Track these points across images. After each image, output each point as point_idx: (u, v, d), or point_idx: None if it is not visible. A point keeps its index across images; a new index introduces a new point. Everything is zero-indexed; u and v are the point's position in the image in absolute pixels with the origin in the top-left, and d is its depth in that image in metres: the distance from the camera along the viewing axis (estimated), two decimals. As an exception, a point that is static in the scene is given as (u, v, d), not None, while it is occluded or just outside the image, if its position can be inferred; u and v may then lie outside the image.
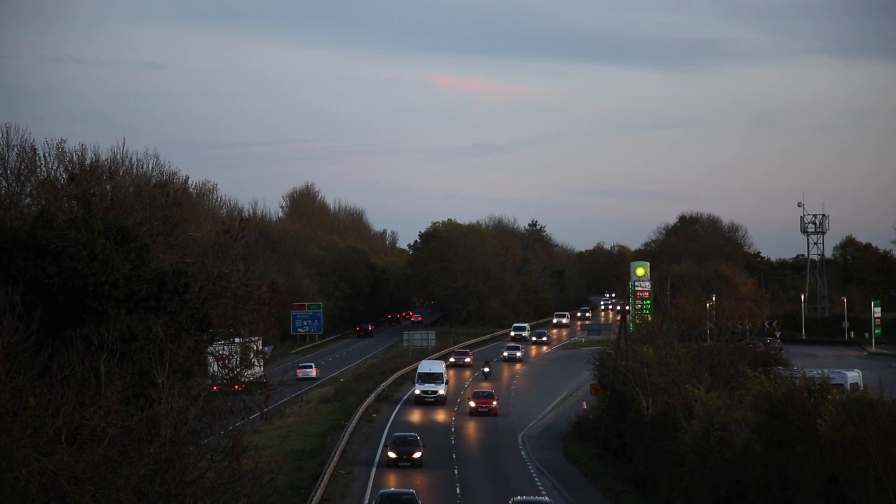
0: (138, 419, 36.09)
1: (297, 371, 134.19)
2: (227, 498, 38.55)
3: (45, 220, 44.46)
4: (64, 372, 35.39)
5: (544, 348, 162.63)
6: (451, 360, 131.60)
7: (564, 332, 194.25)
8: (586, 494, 67.77)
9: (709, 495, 55.60)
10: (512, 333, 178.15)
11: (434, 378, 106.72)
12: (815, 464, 44.79)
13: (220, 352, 50.28)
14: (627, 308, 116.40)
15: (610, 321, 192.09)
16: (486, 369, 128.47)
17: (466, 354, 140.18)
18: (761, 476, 49.50)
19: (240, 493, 39.31)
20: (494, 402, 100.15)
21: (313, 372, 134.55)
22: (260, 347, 53.93)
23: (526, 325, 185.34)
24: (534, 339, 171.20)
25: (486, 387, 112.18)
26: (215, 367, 48.16)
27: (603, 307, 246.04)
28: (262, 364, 53.48)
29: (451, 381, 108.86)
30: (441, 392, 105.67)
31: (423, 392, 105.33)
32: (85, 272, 43.53)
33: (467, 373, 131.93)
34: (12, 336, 34.57)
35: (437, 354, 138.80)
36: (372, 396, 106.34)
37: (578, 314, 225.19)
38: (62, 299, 43.60)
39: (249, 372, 50.37)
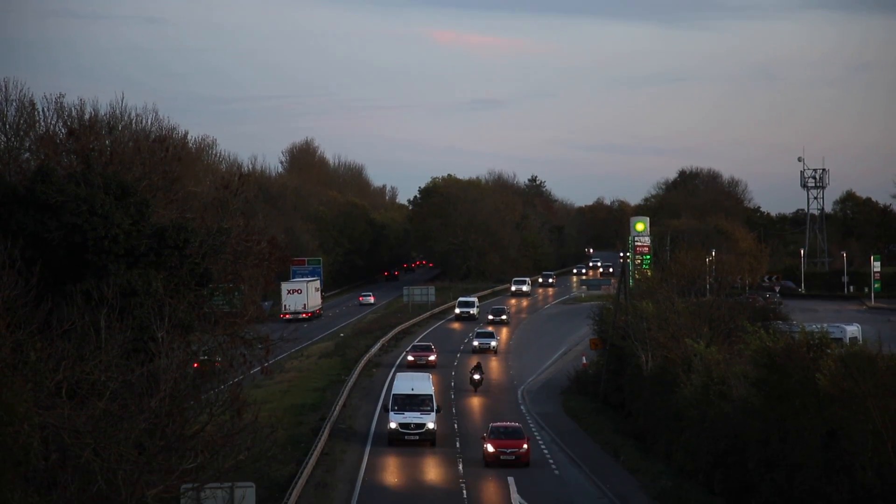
0: (138, 374, 36.17)
1: (360, 298, 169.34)
2: (227, 451, 38.65)
3: (45, 174, 44.45)
4: (64, 326, 35.45)
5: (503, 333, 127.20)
6: (410, 358, 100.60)
7: (525, 302, 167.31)
8: (585, 448, 67.99)
9: (708, 449, 55.78)
10: (513, 288, 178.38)
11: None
12: (813, 418, 44.92)
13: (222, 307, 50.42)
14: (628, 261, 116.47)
15: (579, 290, 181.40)
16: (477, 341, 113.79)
17: (430, 351, 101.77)
18: (760, 430, 49.65)
19: (240, 447, 39.40)
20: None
21: (372, 299, 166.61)
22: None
23: (527, 279, 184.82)
24: (490, 317, 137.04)
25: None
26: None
27: (575, 273, 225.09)
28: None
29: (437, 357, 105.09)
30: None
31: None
32: (84, 227, 43.54)
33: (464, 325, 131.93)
34: (12, 290, 34.61)
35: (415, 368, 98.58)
36: (373, 351, 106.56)
37: (540, 280, 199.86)
38: (62, 254, 43.63)
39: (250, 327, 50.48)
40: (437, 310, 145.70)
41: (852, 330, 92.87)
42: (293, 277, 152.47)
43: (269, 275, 56.68)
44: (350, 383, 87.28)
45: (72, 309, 37.51)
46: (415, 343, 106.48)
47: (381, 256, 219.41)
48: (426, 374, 73.03)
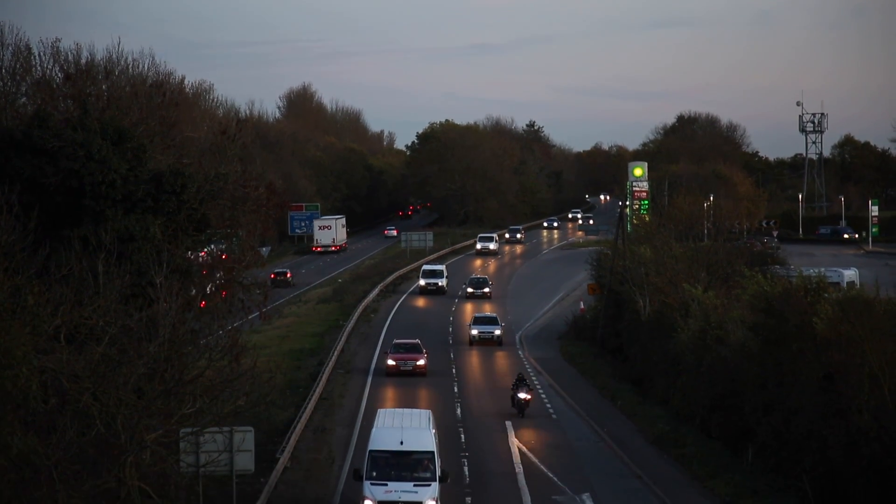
0: (137, 319, 36.21)
1: (385, 231, 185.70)
2: (225, 396, 38.78)
3: (42, 119, 44.32)
4: (62, 271, 35.45)
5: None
6: (390, 363, 71.74)
7: (492, 266, 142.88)
8: (583, 392, 68.23)
9: (705, 393, 55.98)
10: (478, 246, 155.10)
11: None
12: (810, 361, 45.04)
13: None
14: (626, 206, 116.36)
15: (552, 244, 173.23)
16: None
17: (418, 353, 73.00)
18: (757, 374, 49.80)
19: (238, 392, 39.53)
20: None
21: (395, 232, 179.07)
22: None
23: (494, 234, 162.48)
24: (469, 289, 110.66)
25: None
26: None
27: (546, 226, 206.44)
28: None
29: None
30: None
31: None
32: (82, 172, 43.47)
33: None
34: (10, 235, 34.60)
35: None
36: (371, 296, 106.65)
37: (507, 235, 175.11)
38: (59, 199, 43.58)
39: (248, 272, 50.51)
40: (433, 256, 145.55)
41: (850, 274, 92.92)
42: (291, 223, 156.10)
43: (267, 221, 56.62)
44: (348, 328, 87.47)
45: (70, 254, 37.51)
46: (396, 341, 74.44)
47: (378, 202, 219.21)
48: (423, 413, 45.64)
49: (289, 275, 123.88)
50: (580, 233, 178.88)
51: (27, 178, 42.90)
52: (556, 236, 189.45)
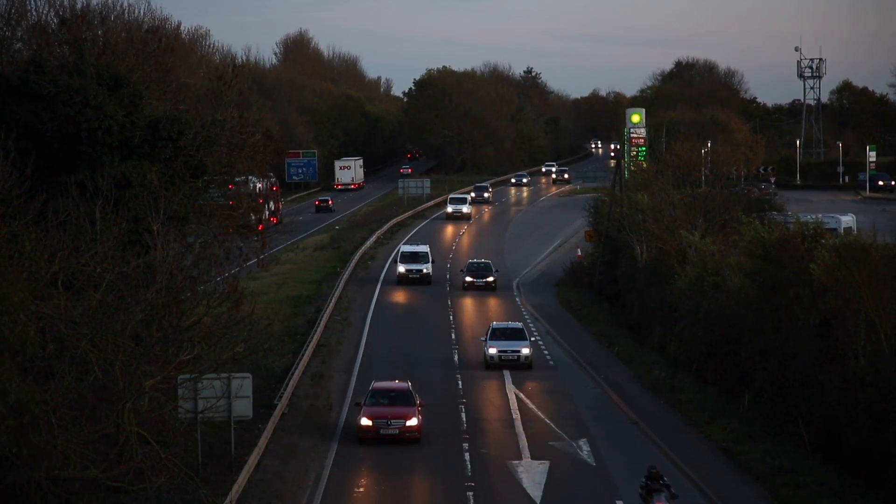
0: (134, 265, 36.21)
1: (401, 170, 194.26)
2: (224, 343, 38.87)
3: (37, 65, 44.14)
4: (59, 218, 35.40)
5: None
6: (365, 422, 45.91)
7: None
8: (580, 339, 68.38)
9: (701, 339, 56.13)
10: (449, 209, 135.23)
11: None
12: (807, 307, 45.12)
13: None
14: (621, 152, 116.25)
15: (521, 200, 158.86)
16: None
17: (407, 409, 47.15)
18: (754, 320, 49.90)
19: (237, 339, 39.63)
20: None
21: (410, 171, 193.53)
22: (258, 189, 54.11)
23: (467, 196, 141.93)
24: (468, 279, 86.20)
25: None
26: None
27: (514, 182, 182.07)
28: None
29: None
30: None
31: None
32: (78, 118, 43.35)
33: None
34: (6, 181, 34.54)
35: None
36: (368, 243, 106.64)
37: (472, 194, 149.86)
38: (56, 145, 43.48)
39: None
40: (430, 203, 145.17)
41: (847, 220, 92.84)
42: (288, 170, 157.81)
43: (264, 167, 56.57)
44: (345, 276, 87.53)
45: (67, 200, 37.46)
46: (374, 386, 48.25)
47: (375, 149, 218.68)
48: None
49: (330, 202, 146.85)
50: (553, 189, 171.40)
51: (23, 125, 42.79)
52: (525, 195, 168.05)
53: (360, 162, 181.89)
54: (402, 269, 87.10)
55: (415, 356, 61.85)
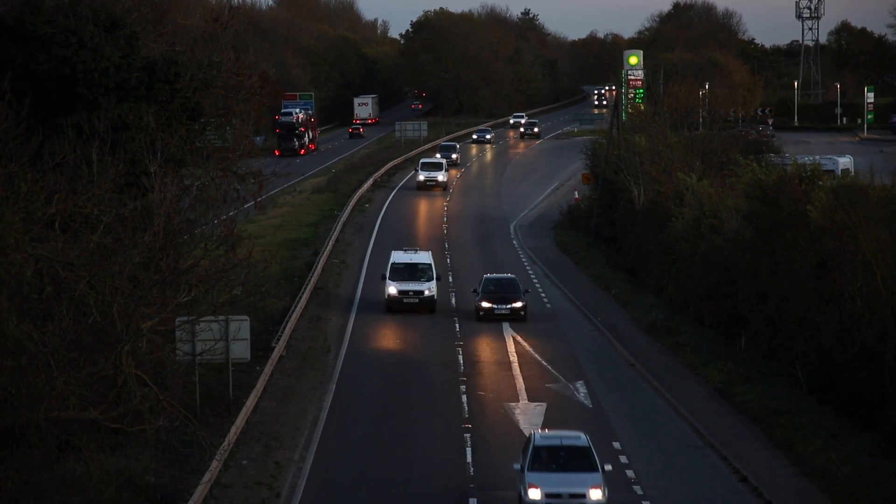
0: (132, 208, 36.19)
1: (412, 106, 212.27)
2: (221, 286, 38.92)
3: (33, 5, 43.91)
4: (56, 160, 35.28)
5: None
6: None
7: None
8: (578, 281, 68.48)
9: (698, 281, 56.22)
10: (420, 177, 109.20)
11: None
12: (804, 249, 45.18)
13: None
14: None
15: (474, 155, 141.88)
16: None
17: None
18: (751, 262, 49.99)
19: (234, 281, 39.69)
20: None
21: (420, 106, 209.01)
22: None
23: (443, 161, 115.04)
24: (486, 305, 58.49)
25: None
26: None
27: (476, 138, 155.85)
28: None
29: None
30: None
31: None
32: (74, 59, 43.18)
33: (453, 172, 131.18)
34: (2, 122, 34.41)
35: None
36: (365, 186, 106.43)
37: (438, 155, 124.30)
38: (52, 87, 43.34)
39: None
40: (427, 146, 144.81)
41: (844, 161, 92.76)
42: (283, 109, 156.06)
43: (261, 109, 56.35)
44: (343, 218, 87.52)
45: (63, 142, 37.35)
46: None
47: (373, 91, 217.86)
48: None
49: (362, 130, 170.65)
50: (522, 145, 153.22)
51: (19, 66, 42.62)
52: (488, 155, 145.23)
53: (377, 99, 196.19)
54: (392, 290, 59.85)
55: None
